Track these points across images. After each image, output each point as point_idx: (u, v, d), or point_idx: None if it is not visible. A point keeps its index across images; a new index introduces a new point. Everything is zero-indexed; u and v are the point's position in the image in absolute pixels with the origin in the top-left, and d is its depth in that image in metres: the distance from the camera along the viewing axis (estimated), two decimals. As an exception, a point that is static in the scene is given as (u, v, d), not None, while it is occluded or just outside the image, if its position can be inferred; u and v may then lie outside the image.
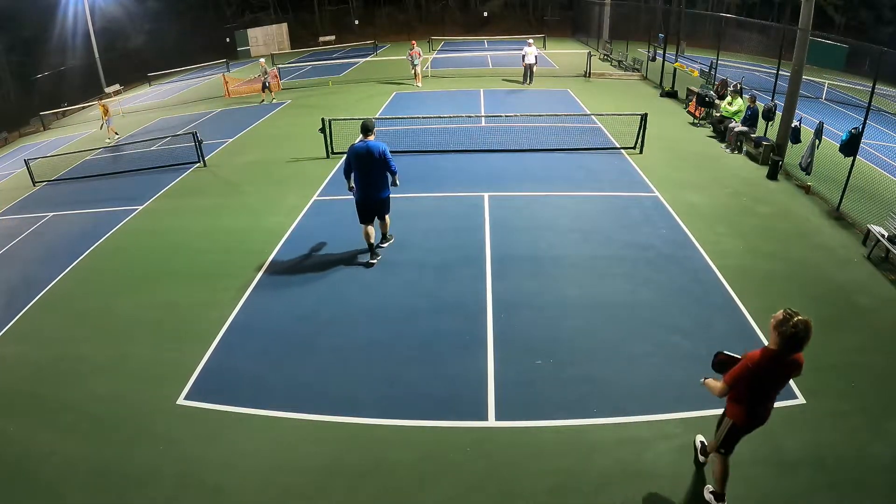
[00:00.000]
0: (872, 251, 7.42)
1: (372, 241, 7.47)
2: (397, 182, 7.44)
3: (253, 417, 5.06)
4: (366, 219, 7.33)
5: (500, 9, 41.00)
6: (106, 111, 16.23)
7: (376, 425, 4.88)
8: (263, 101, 19.04)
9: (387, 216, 7.60)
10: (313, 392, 5.32)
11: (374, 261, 7.51)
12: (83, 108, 25.67)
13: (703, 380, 3.80)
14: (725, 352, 3.69)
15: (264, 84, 19.02)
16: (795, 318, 3.18)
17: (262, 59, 20.58)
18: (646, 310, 6.30)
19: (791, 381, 5.16)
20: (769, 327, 3.35)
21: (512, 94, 17.82)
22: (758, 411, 3.64)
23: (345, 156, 7.22)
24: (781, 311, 3.28)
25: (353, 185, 7.24)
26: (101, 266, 8.33)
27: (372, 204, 7.25)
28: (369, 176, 7.06)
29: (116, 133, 16.65)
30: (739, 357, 3.55)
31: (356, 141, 7.00)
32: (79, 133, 19.49)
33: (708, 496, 4.07)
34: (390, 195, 7.43)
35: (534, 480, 4.30)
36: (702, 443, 4.35)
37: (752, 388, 3.48)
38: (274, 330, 6.33)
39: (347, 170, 7.15)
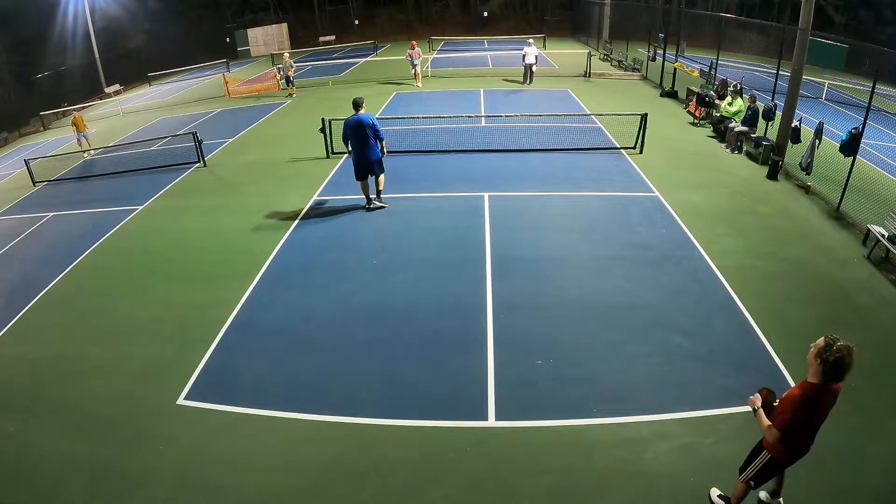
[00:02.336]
0: (872, 251, 7.42)
1: (369, 193, 9.13)
2: (385, 150, 8.90)
3: (253, 417, 5.06)
4: (362, 176, 8.93)
5: (500, 9, 40.94)
6: (80, 124, 14.92)
7: (376, 425, 4.89)
8: (292, 94, 19.60)
9: (381, 175, 9.03)
10: (313, 392, 5.33)
11: (370, 206, 9.13)
12: (83, 108, 25.65)
13: (753, 407, 3.46)
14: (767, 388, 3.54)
15: (289, 79, 19.38)
16: (839, 343, 3.03)
17: (287, 54, 20.88)
18: (646, 310, 6.30)
19: (790, 381, 5.17)
20: (808, 358, 3.17)
21: (512, 94, 17.82)
22: (799, 449, 3.46)
23: (343, 128, 8.72)
24: (822, 338, 3.12)
25: (349, 149, 8.78)
26: (101, 266, 8.33)
27: (367, 163, 8.76)
28: (363, 141, 8.57)
29: (84, 150, 15.06)
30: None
31: (350, 115, 8.61)
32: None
33: (716, 500, 4.01)
34: (381, 158, 8.86)
35: (534, 480, 4.30)
36: (720, 496, 4.01)
37: (801, 427, 3.28)
38: (274, 330, 6.33)
39: (345, 138, 8.74)
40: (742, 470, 3.70)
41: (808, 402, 3.16)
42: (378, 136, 8.65)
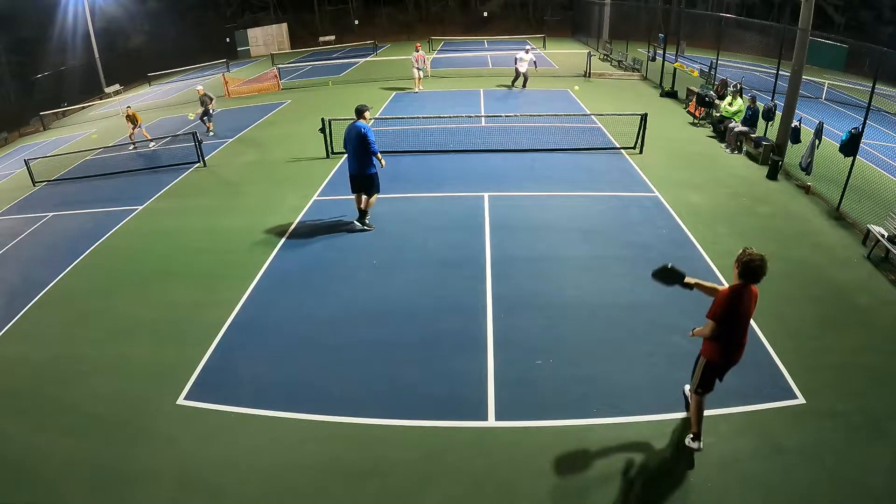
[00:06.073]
0: (872, 251, 7.42)
1: (361, 206, 8.45)
2: (382, 162, 8.13)
3: (253, 417, 5.06)
4: (354, 189, 8.33)
5: (500, 9, 40.98)
6: (138, 118, 14.82)
7: (376, 425, 4.88)
8: (209, 131, 15.40)
9: (372, 198, 8.39)
10: (313, 392, 5.33)
11: (359, 225, 8.47)
12: (83, 108, 25.67)
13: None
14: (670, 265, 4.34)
15: (208, 112, 15.34)
16: (749, 252, 3.91)
17: (200, 87, 16.03)
18: (646, 310, 6.30)
19: (790, 381, 5.18)
20: (732, 267, 4.02)
21: (512, 94, 17.81)
22: (731, 348, 4.13)
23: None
24: (741, 250, 3.98)
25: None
26: (101, 266, 8.33)
27: (356, 176, 8.13)
28: (354, 152, 7.97)
29: (135, 142, 14.96)
30: (680, 271, 4.36)
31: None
32: (79, 133, 19.48)
33: (689, 442, 4.36)
34: (376, 173, 8.18)
35: (534, 480, 4.30)
36: (684, 394, 4.82)
37: (730, 320, 3.97)
38: (274, 330, 6.33)
39: (344, 145, 8.22)
40: (691, 386, 4.33)
41: (732, 296, 3.95)
42: (370, 150, 7.86)
